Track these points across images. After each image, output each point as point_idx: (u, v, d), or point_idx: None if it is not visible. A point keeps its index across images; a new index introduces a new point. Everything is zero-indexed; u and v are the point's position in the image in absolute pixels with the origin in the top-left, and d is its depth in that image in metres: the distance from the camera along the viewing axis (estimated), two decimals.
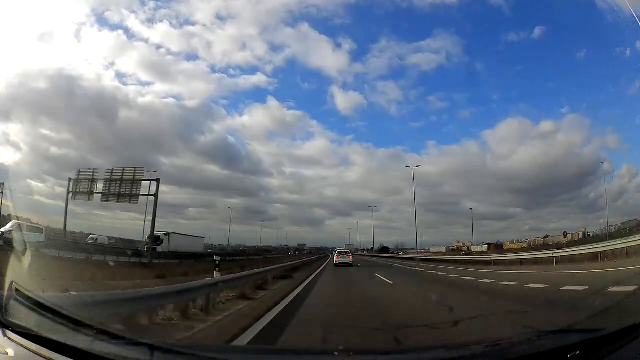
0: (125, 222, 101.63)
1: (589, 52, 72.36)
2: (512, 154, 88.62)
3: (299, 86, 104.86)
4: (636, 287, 7.31)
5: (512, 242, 69.90)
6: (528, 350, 1.90)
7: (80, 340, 1.98)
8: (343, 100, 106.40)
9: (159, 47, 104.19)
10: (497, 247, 66.71)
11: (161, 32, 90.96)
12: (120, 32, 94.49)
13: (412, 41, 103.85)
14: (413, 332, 5.01)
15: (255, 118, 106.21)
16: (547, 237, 63.71)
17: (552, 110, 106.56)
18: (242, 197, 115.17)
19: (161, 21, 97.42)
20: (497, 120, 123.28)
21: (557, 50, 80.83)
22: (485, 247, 68.89)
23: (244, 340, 4.39)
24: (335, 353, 2.38)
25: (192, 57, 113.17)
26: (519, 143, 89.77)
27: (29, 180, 74.20)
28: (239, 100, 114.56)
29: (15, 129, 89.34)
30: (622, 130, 79.18)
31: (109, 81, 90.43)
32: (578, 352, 1.58)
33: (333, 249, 35.25)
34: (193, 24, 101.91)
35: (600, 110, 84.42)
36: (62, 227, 33.92)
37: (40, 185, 77.33)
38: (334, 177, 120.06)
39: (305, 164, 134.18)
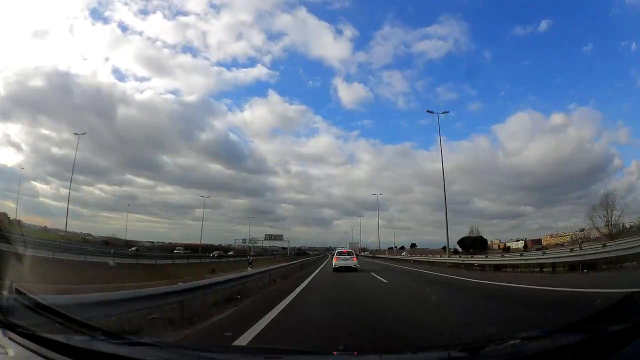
0: (133, 224, 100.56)
1: (595, 45, 72.32)
2: (522, 149, 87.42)
3: (300, 78, 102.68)
4: None
5: (551, 235, 65.96)
6: (528, 350, 1.90)
7: (80, 340, 1.99)
8: (347, 93, 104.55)
9: (154, 40, 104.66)
10: (534, 243, 62.41)
11: (155, 24, 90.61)
12: (114, 25, 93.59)
13: (418, 27, 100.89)
14: None
15: (256, 113, 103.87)
16: (582, 230, 59.41)
17: (559, 106, 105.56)
18: (248, 197, 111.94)
19: (154, 12, 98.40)
20: (507, 114, 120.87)
21: (563, 44, 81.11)
22: (520, 244, 65.03)
23: None
24: (335, 353, 2.37)
25: (188, 49, 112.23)
26: (529, 138, 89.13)
27: (32, 182, 74.29)
28: (239, 95, 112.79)
29: (15, 129, 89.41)
30: (631, 124, 79.05)
31: (105, 77, 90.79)
32: (578, 352, 1.58)
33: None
34: (186, 14, 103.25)
35: (608, 104, 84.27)
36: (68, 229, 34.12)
37: (44, 187, 77.16)
38: (341, 176, 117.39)
39: (310, 162, 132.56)
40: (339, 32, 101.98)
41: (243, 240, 76.40)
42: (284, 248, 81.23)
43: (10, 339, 1.83)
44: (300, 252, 76.37)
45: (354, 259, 21.34)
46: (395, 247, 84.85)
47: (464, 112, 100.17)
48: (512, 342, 2.18)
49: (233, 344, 4.11)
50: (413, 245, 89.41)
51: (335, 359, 2.40)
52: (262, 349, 3.56)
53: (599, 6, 71.49)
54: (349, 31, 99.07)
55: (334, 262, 21.35)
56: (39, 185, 79.64)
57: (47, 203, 70.17)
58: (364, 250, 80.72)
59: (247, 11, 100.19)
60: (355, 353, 2.74)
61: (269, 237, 78.43)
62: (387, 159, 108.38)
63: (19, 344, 1.78)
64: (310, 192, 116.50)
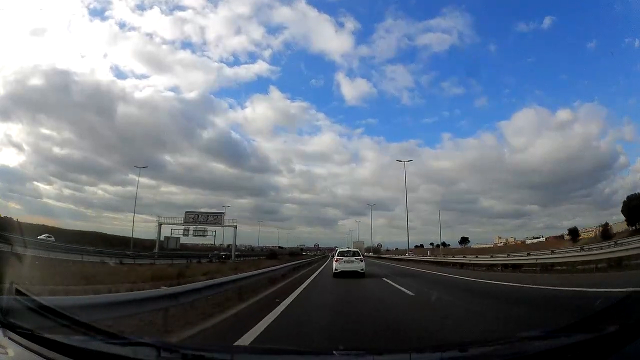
0: (137, 224, 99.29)
1: (599, 42, 72.20)
2: (528, 147, 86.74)
3: (302, 74, 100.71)
4: None
5: (584, 229, 59.69)
6: (528, 350, 1.90)
7: (81, 340, 1.99)
8: (350, 89, 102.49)
9: (152, 36, 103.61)
10: (555, 240, 57.41)
11: (152, 20, 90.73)
12: (111, 21, 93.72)
13: (421, 19, 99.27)
14: None
15: (258, 110, 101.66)
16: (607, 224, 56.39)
17: (565, 102, 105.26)
18: (253, 197, 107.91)
19: (151, 8, 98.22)
20: (512, 111, 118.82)
21: (567, 40, 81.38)
22: (541, 240, 61.62)
23: None
24: (335, 352, 2.37)
25: (187, 45, 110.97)
26: (535, 134, 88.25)
27: (35, 183, 73.85)
28: (240, 92, 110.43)
29: (15, 129, 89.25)
30: (637, 121, 78.42)
31: (104, 75, 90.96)
32: (578, 352, 1.58)
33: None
34: (183, 8, 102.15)
35: (613, 101, 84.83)
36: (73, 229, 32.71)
37: (47, 187, 76.69)
38: (345, 175, 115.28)
39: (314, 161, 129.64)
40: (340, 25, 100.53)
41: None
42: (278, 247, 59.59)
43: (10, 339, 1.83)
44: (274, 254, 52.53)
45: (360, 261, 16.49)
46: (432, 244, 74.83)
47: (470, 109, 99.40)
48: (512, 342, 2.18)
49: (235, 344, 4.11)
50: (464, 241, 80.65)
51: (335, 359, 2.40)
52: (263, 349, 3.56)
53: (601, 3, 71.53)
54: (350, 24, 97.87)
55: (334, 264, 16.54)
56: (41, 186, 79.47)
57: (50, 204, 70.07)
58: (374, 250, 70.59)
59: (245, 4, 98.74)
60: (356, 353, 2.73)
61: (193, 219, 42.67)
62: (392, 157, 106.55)
63: (19, 344, 1.78)
64: (314, 192, 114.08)
